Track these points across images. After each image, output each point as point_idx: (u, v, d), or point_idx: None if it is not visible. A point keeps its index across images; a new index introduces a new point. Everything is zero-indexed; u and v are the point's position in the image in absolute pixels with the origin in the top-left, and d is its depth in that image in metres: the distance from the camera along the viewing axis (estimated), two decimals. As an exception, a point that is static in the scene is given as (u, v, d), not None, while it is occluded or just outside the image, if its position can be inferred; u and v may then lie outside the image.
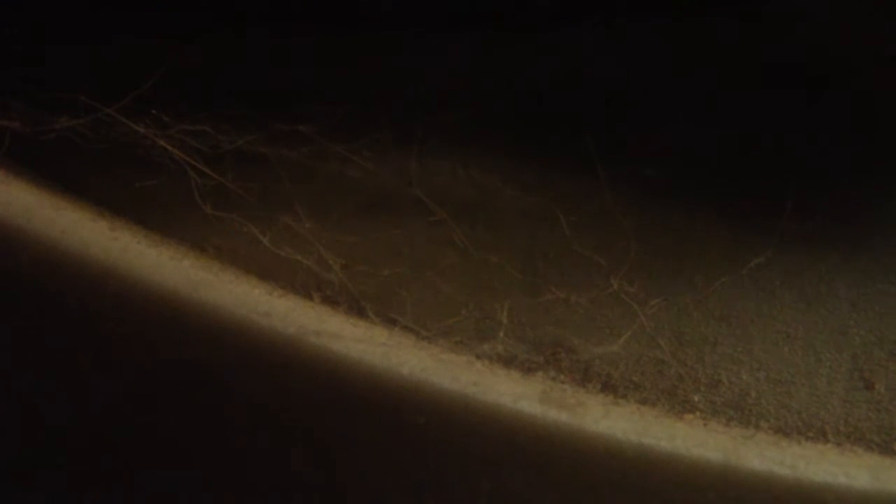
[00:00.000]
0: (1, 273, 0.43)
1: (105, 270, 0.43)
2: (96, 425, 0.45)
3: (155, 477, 0.45)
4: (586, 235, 0.49)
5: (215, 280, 0.44)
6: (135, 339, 0.43)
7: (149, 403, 0.44)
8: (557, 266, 0.49)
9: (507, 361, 0.45)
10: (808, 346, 0.48)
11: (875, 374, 0.48)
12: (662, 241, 0.51)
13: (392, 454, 0.43)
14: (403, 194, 0.50)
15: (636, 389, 0.46)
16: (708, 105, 0.54)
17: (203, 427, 0.44)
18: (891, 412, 0.47)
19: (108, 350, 0.43)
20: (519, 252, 0.49)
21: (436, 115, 0.50)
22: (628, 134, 0.52)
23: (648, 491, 0.42)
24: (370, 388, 0.42)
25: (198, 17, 0.51)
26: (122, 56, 0.50)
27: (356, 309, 0.46)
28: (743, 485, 0.42)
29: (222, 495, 0.45)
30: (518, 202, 0.50)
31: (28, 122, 0.46)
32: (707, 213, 0.52)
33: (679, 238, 0.51)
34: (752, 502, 0.42)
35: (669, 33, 0.55)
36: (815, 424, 0.46)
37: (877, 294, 0.51)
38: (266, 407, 0.43)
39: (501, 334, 0.46)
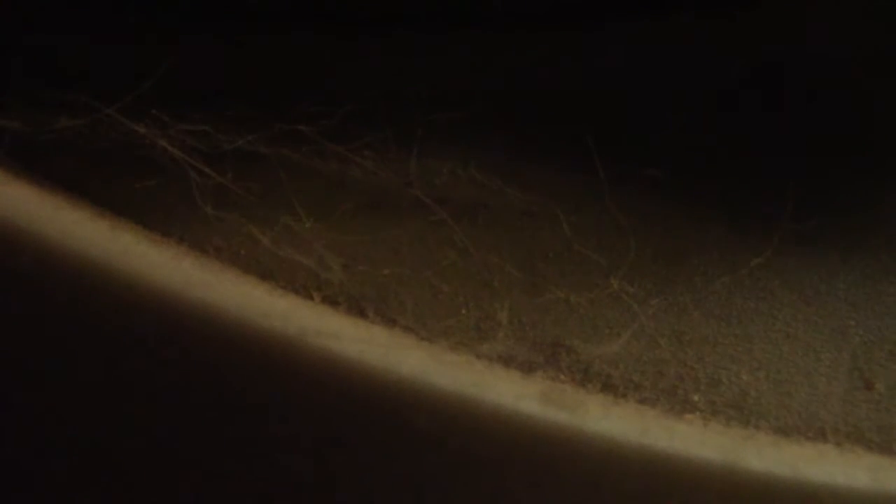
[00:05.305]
0: (1, 273, 0.43)
1: (105, 270, 0.43)
2: (96, 426, 0.45)
3: (154, 477, 0.45)
4: (586, 235, 0.49)
5: (215, 280, 0.44)
6: (135, 339, 0.43)
7: (148, 403, 0.44)
8: (557, 266, 0.49)
9: (507, 361, 0.45)
10: (808, 345, 0.48)
11: (875, 374, 0.48)
12: (662, 241, 0.51)
13: (392, 454, 0.43)
14: (403, 194, 0.50)
15: (636, 389, 0.46)
16: (708, 105, 0.54)
17: (203, 427, 0.44)
18: (891, 412, 0.47)
19: (108, 350, 0.43)
20: (519, 252, 0.49)
21: (436, 115, 0.50)
22: (628, 134, 0.52)
23: (648, 491, 0.42)
24: (370, 388, 0.42)
25: (198, 16, 0.51)
26: (122, 56, 0.50)
27: (356, 309, 0.46)
28: (743, 485, 0.42)
29: (222, 495, 0.45)
30: (518, 202, 0.50)
31: (28, 122, 0.46)
32: (707, 214, 0.52)
33: (679, 238, 0.51)
34: (752, 502, 0.42)
35: (669, 33, 0.55)
36: (815, 424, 0.46)
37: (877, 294, 0.51)
38: (266, 407, 0.43)
39: (501, 334, 0.46)
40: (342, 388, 0.42)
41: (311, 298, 0.45)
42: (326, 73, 0.52)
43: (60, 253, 0.43)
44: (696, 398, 0.46)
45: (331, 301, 0.46)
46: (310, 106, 0.48)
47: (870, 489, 0.43)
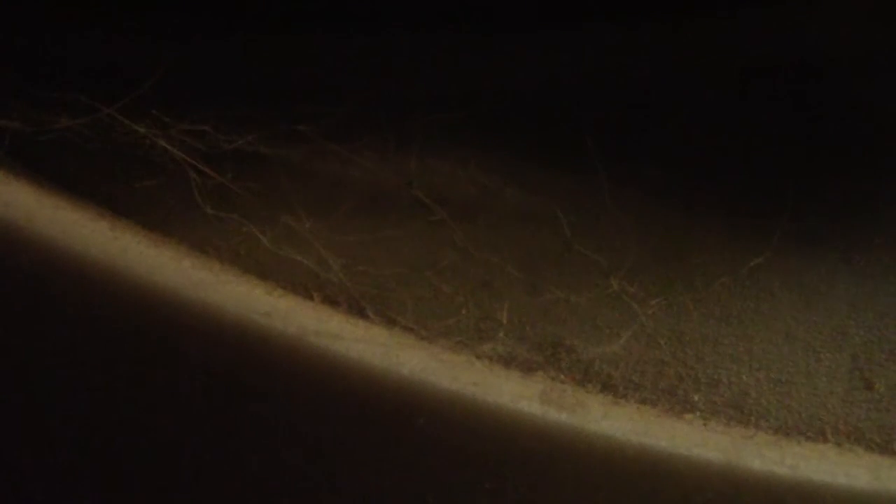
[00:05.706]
0: (1, 273, 0.43)
1: (105, 270, 0.43)
2: (96, 425, 0.45)
3: (155, 477, 0.45)
4: (586, 235, 0.49)
5: (215, 280, 0.44)
6: (135, 339, 0.43)
7: (149, 403, 0.44)
8: (557, 266, 0.49)
9: (507, 361, 0.45)
10: (808, 346, 0.48)
11: (875, 374, 0.48)
12: (662, 241, 0.51)
13: (392, 454, 0.43)
14: (403, 194, 0.50)
15: (636, 389, 0.46)
16: (708, 105, 0.54)
17: (203, 427, 0.44)
18: (891, 412, 0.47)
19: (109, 350, 0.43)
20: (519, 252, 0.49)
21: (436, 115, 0.50)
22: (628, 134, 0.52)
23: (648, 491, 0.42)
24: (370, 388, 0.42)
25: (198, 16, 0.51)
26: (122, 56, 0.50)
27: (356, 309, 0.46)
28: (743, 485, 0.42)
29: (222, 495, 0.45)
30: (518, 202, 0.50)
31: (28, 122, 0.46)
32: (707, 214, 0.52)
33: (679, 238, 0.51)
34: (752, 502, 0.42)
35: (668, 34, 0.55)
36: (815, 424, 0.46)
37: (877, 294, 0.51)
38: (266, 407, 0.43)
39: (501, 334, 0.46)
40: (342, 388, 0.42)
41: (311, 298, 0.46)
42: (326, 73, 0.52)
43: (60, 253, 0.43)
44: (696, 398, 0.46)
45: (331, 301, 0.46)
46: (310, 106, 0.48)
47: (870, 489, 0.43)
